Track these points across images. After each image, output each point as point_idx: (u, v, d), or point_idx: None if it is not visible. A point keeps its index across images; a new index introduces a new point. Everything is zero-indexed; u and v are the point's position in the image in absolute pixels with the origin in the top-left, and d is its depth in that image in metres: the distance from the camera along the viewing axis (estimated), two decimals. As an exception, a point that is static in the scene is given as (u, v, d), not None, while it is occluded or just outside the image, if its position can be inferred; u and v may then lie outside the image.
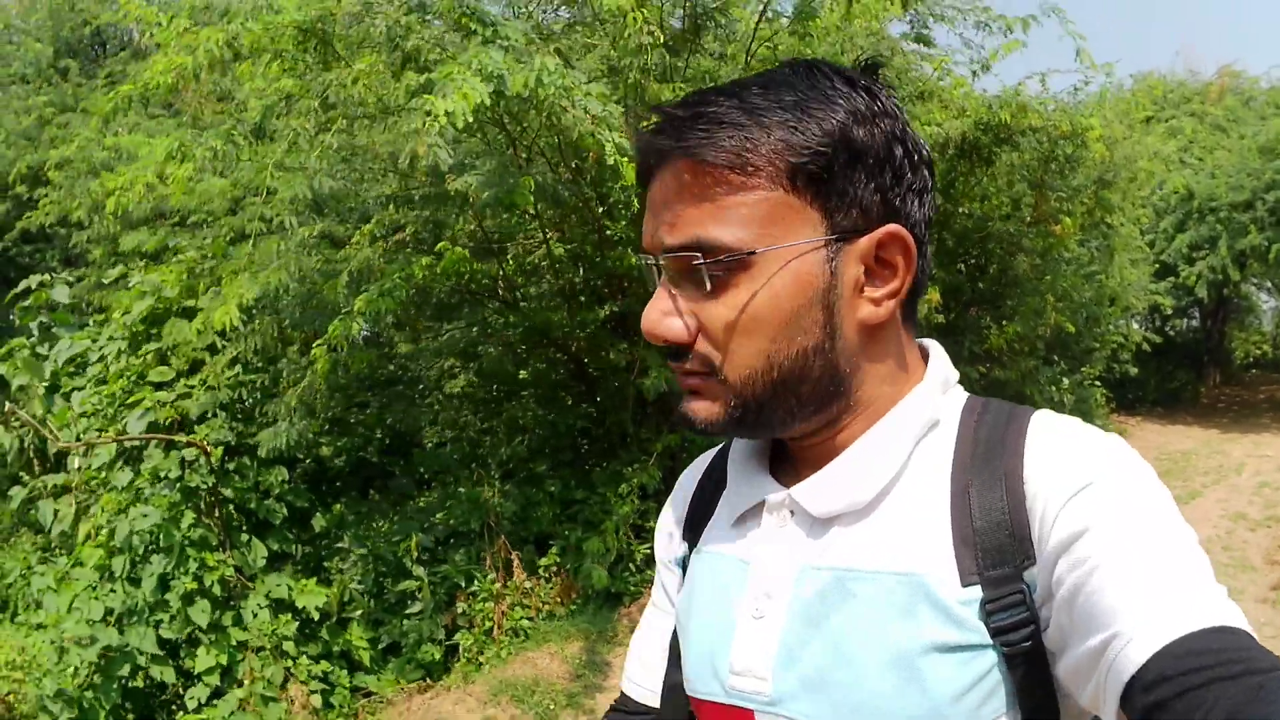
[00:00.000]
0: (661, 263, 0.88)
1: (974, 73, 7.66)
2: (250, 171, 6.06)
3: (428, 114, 3.80)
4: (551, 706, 5.13)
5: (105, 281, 8.72)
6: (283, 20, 4.72)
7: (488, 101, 4.00)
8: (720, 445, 1.13)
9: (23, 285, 8.74)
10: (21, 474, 7.62)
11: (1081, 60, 7.29)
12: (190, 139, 5.05)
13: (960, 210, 9.04)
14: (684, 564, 1.09)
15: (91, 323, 8.42)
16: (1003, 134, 7.73)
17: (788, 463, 1.00)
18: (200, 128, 11.51)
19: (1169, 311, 16.73)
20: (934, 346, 0.99)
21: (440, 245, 5.47)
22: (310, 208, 5.95)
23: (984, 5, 7.17)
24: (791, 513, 0.94)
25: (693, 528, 1.08)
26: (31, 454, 7.45)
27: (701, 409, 0.90)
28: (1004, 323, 9.74)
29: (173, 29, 5.29)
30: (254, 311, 5.93)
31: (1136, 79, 18.61)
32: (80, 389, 7.64)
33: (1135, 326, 14.96)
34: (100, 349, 7.66)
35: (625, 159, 4.26)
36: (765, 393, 0.88)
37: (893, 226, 0.88)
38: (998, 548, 0.82)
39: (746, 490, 0.99)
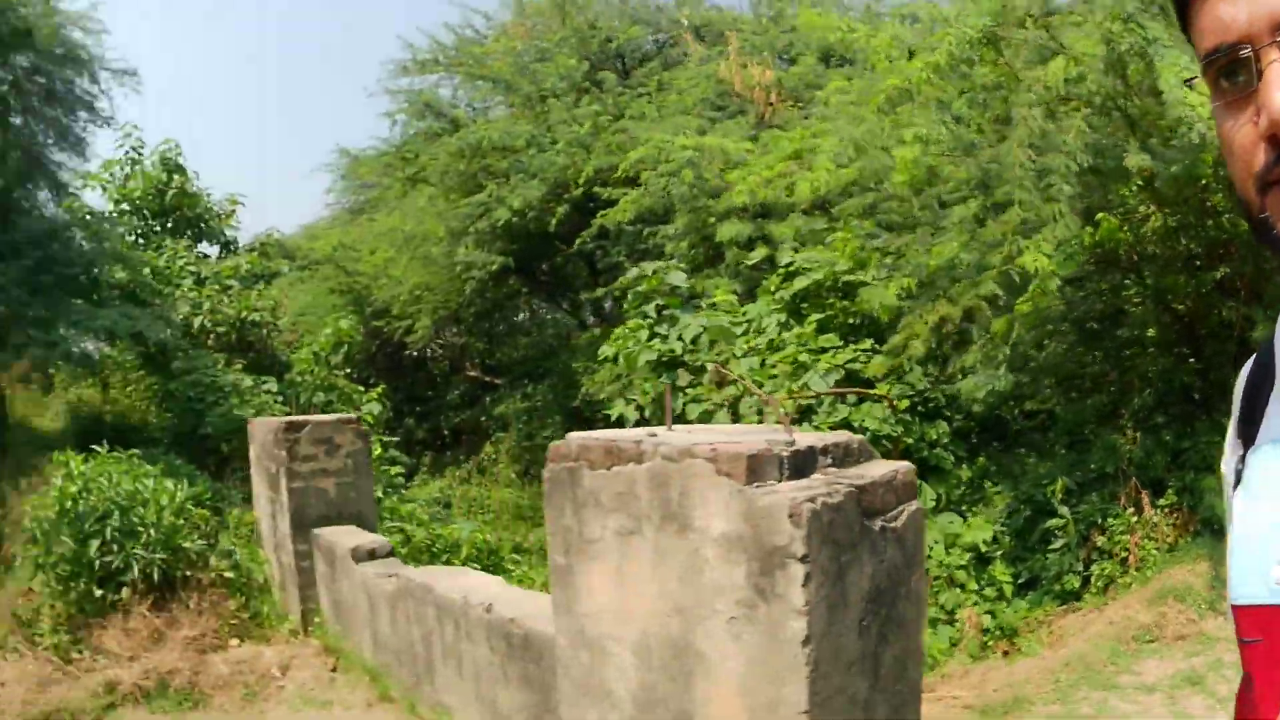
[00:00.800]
0: None
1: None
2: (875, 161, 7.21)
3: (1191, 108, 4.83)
4: (1203, 606, 6.13)
5: (770, 264, 9.98)
6: (976, 25, 5.89)
7: None
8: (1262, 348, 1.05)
9: (634, 273, 10.16)
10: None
11: None
12: (933, 129, 6.38)
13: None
14: (1238, 471, 1.02)
15: (704, 305, 9.96)
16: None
17: None
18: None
19: None
20: None
21: (1099, 215, 6.39)
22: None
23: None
24: None
25: (1246, 429, 1.01)
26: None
27: None
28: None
29: (879, 42, 6.61)
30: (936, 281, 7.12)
31: None
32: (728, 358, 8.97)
33: None
34: (749, 323, 9.06)
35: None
36: None
37: None
38: None
39: None
